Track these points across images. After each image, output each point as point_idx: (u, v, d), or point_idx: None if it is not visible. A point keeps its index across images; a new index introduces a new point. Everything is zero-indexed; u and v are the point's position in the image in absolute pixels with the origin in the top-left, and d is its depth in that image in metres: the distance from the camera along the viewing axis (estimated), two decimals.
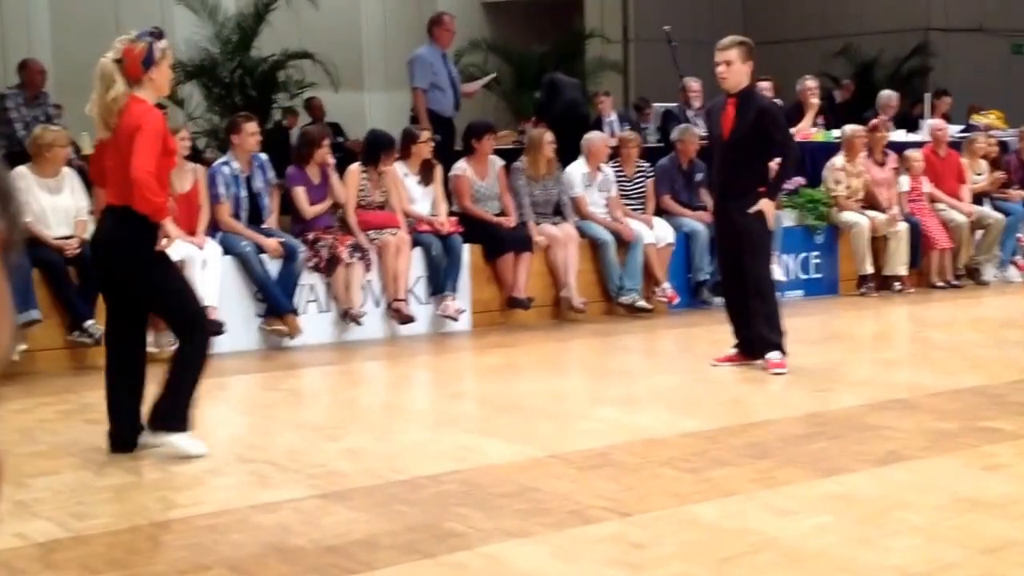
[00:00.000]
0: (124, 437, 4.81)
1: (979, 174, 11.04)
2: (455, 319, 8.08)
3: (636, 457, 4.65)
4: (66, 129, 7.88)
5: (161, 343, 6.99)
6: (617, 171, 9.19)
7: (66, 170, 7.22)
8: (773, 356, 6.37)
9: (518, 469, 4.49)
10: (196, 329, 4.77)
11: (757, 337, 6.39)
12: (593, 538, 3.67)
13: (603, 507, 3.97)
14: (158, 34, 4.73)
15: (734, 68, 6.26)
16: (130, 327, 4.83)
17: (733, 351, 6.59)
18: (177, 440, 4.71)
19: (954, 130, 11.56)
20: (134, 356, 4.83)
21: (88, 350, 6.85)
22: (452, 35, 9.65)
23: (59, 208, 7.00)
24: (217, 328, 7.21)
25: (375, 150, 8.16)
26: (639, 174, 9.27)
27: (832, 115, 11.80)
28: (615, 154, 9.28)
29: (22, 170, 6.97)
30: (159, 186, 4.61)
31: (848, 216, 9.94)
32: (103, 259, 4.80)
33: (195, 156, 8.39)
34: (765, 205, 6.33)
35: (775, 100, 6.63)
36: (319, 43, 13.39)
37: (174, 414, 4.70)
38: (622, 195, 9.18)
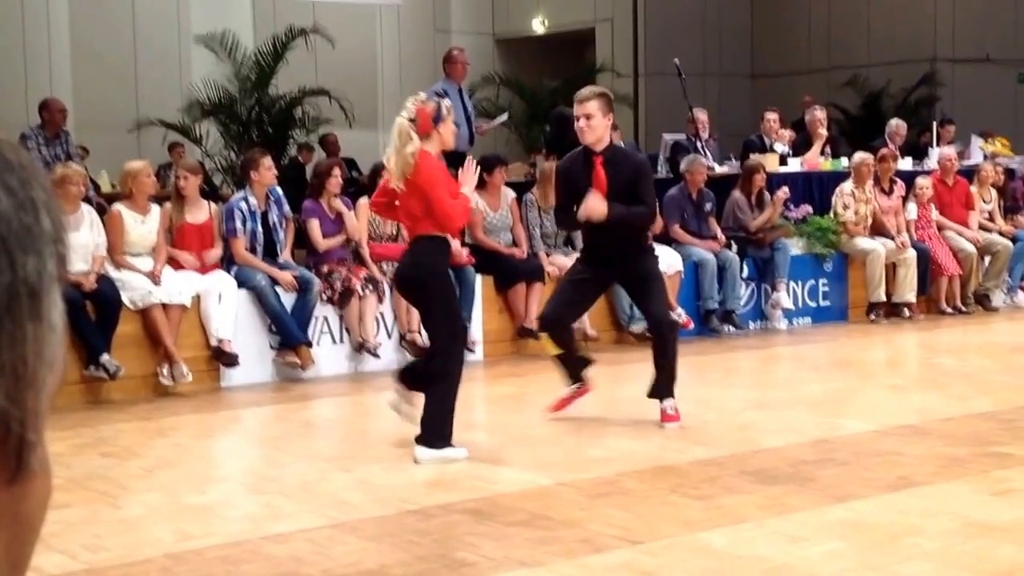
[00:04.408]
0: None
1: (987, 202, 11.08)
2: (471, 350, 8.12)
3: (646, 485, 4.67)
4: (84, 167, 7.97)
5: (176, 375, 7.06)
6: None
7: (84, 207, 7.30)
8: (668, 405, 5.92)
9: (529, 497, 4.52)
10: (455, 342, 5.36)
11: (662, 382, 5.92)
12: (604, 566, 3.69)
13: (613, 535, 3.99)
14: (443, 95, 5.37)
15: (595, 122, 5.71)
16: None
17: (567, 392, 6.20)
18: (436, 455, 5.14)
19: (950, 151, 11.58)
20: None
21: (104, 384, 6.90)
22: (465, 67, 9.78)
23: (77, 244, 7.06)
24: (232, 360, 7.28)
25: (376, 181, 8.26)
26: None
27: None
28: None
29: None
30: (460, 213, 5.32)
31: (864, 243, 9.98)
32: (405, 279, 5.51)
33: (212, 192, 8.49)
34: (594, 200, 5.62)
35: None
36: (336, 80, 13.55)
37: (433, 430, 5.20)
38: None
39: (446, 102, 5.38)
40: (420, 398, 5.34)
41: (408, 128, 5.20)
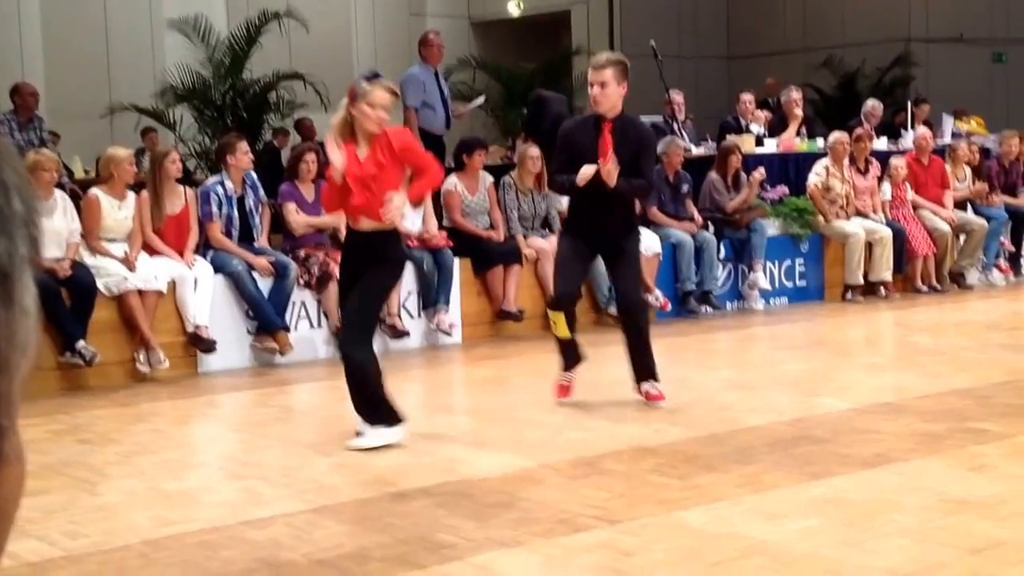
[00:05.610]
0: None
1: (961, 180, 11.15)
2: (448, 333, 8.13)
3: (624, 465, 4.69)
4: (57, 153, 7.90)
5: (152, 361, 7.02)
6: None
7: (58, 193, 7.24)
8: (653, 388, 5.90)
9: (508, 479, 4.52)
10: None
11: (643, 364, 5.88)
12: (583, 546, 3.70)
13: (592, 515, 4.00)
14: (370, 76, 5.10)
15: (609, 90, 5.60)
16: None
17: (567, 379, 6.05)
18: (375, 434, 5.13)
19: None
20: None
21: (80, 370, 6.86)
22: (440, 51, 9.75)
23: (50, 230, 7.01)
24: (209, 346, 7.25)
25: None
26: None
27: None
28: None
29: None
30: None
31: (845, 226, 10.02)
32: None
33: (186, 178, 8.42)
34: (612, 167, 5.54)
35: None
36: (310, 64, 13.49)
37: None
38: None
39: (364, 85, 4.98)
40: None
41: (346, 101, 5.09)
